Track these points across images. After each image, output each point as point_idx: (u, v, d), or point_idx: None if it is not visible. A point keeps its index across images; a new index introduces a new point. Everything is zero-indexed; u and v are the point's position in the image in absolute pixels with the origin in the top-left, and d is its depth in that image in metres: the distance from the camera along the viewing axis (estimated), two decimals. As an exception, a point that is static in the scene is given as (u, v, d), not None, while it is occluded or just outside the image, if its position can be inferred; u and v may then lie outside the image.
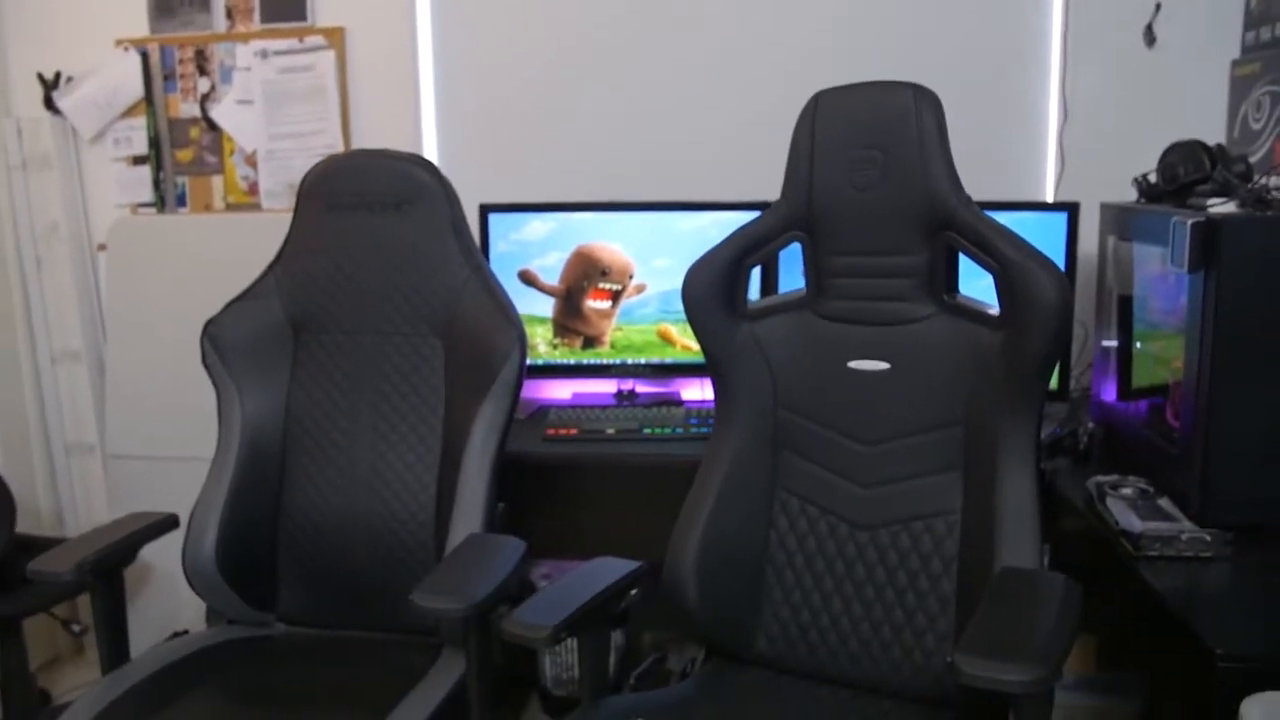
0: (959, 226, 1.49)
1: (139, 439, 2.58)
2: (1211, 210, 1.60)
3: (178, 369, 2.46)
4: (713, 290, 1.64)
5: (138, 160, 2.65)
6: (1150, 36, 2.28)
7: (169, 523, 1.80)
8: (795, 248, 1.66)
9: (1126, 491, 1.69)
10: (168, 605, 2.51)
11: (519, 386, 1.80)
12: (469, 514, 1.73)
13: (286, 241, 1.95)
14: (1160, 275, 1.86)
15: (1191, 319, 1.59)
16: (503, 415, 1.78)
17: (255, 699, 1.61)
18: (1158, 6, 2.26)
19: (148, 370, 2.57)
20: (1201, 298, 1.55)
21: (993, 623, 1.21)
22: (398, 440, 1.88)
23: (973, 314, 1.52)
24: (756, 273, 1.70)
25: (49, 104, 2.62)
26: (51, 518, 2.76)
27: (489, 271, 1.89)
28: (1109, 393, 2.05)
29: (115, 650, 1.69)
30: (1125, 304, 1.99)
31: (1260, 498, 1.57)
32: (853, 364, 1.61)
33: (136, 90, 2.60)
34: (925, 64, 2.36)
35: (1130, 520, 1.56)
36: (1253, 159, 2.02)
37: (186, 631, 2.39)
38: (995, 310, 1.49)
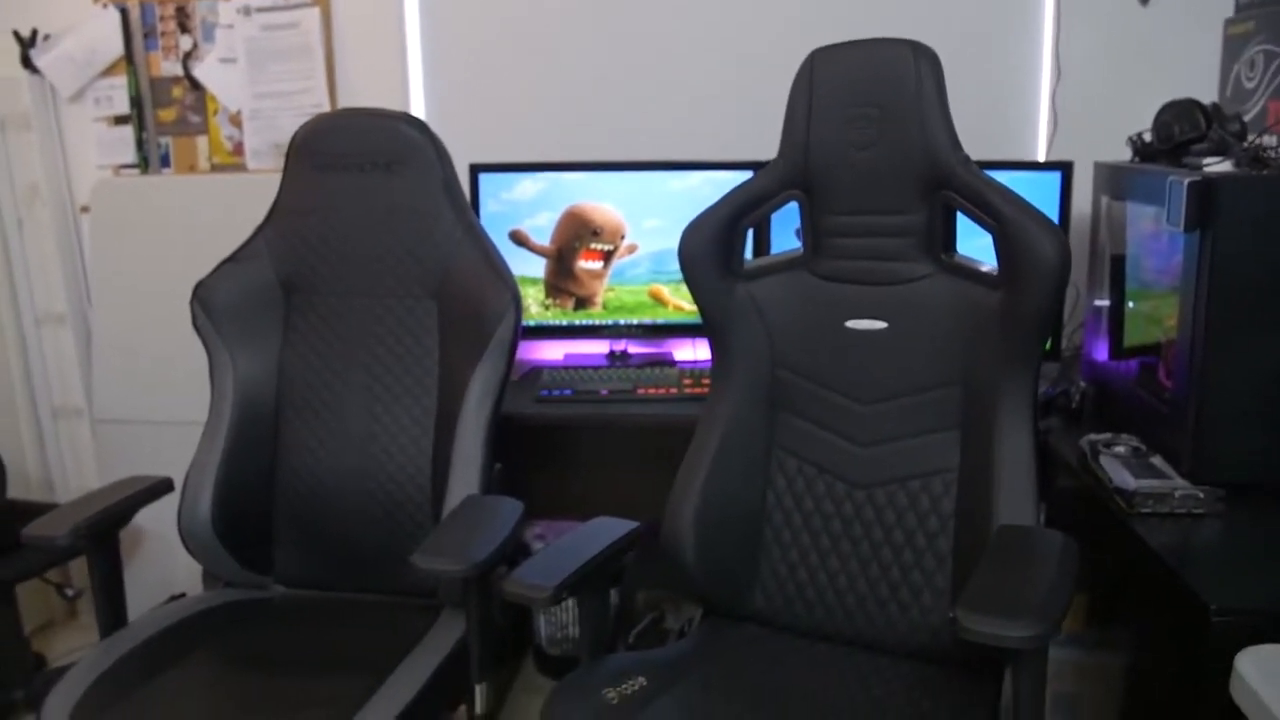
0: (957, 185, 1.49)
1: (127, 403, 2.56)
2: (1208, 169, 1.60)
3: (165, 332, 2.43)
4: (709, 250, 1.64)
5: (119, 120, 2.61)
6: (1144, -6, 2.26)
7: (164, 486, 1.79)
8: (786, 209, 1.65)
9: (1119, 450, 1.71)
10: (162, 569, 2.51)
11: (514, 347, 1.79)
12: (466, 475, 1.73)
13: (276, 202, 1.92)
14: (1153, 234, 1.86)
15: (1187, 278, 1.59)
16: (498, 376, 1.78)
17: (255, 662, 1.61)
18: (1152, -37, 2.25)
19: (134, 333, 2.54)
20: (1197, 257, 1.56)
21: (993, 579, 1.22)
22: (392, 402, 1.87)
23: (970, 273, 1.52)
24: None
25: (26, 62, 2.57)
26: (40, 483, 2.74)
27: (482, 231, 1.88)
28: (1100, 352, 2.06)
29: (113, 614, 1.69)
30: (1118, 263, 2.00)
31: (1252, 455, 1.58)
32: (850, 323, 1.61)
33: (116, 48, 2.55)
34: (917, 21, 2.34)
35: (1124, 478, 1.58)
36: (1245, 118, 2.02)
37: (184, 595, 2.39)
38: (993, 269, 1.50)
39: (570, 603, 2.16)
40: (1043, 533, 1.35)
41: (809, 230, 1.63)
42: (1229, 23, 2.20)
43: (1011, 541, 1.33)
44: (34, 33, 2.56)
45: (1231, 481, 1.55)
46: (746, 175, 2.21)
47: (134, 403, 2.56)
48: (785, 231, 2.03)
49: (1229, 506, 1.53)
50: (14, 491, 2.57)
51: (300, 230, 1.90)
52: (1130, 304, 1.98)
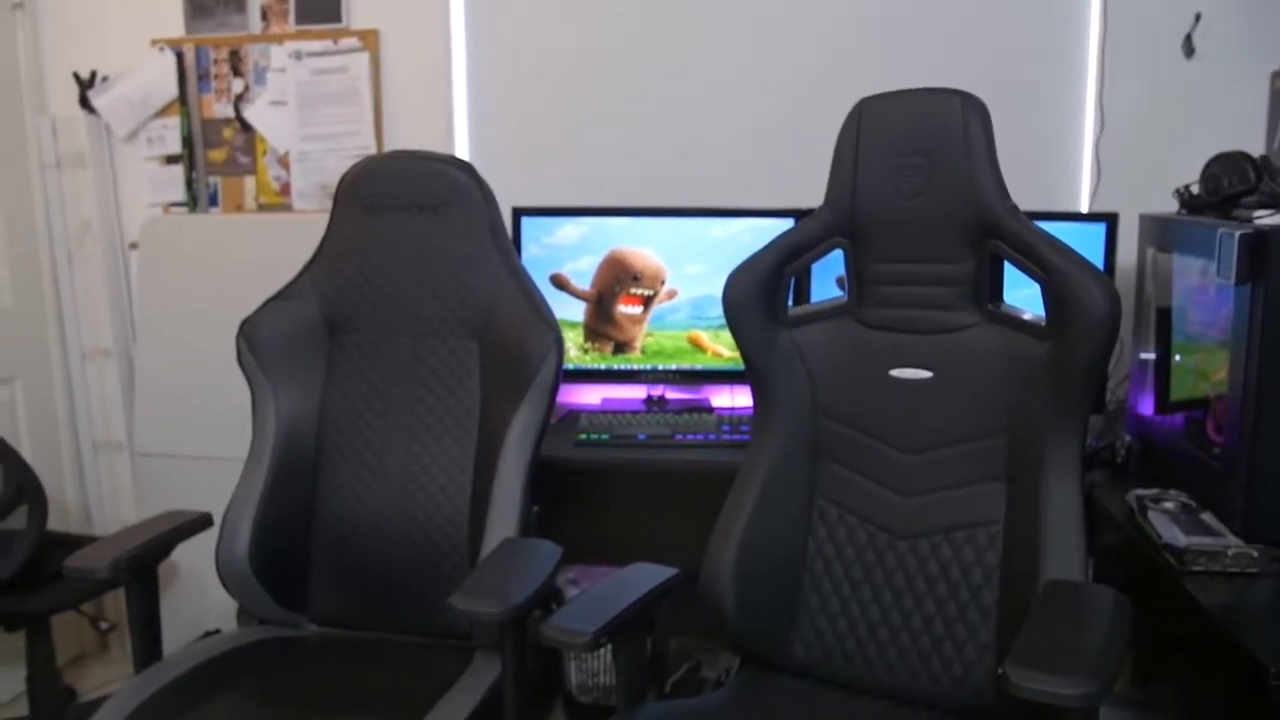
0: (1005, 235, 1.48)
1: (167, 438, 2.59)
2: (1260, 221, 1.59)
3: (207, 369, 2.46)
4: (753, 296, 1.63)
5: (171, 159, 2.66)
6: (1189, 47, 2.26)
7: (203, 521, 1.80)
8: (827, 258, 1.65)
9: (1168, 505, 1.67)
10: (195, 604, 2.51)
11: (555, 390, 1.79)
12: (504, 517, 1.73)
13: (323, 242, 1.95)
14: (1201, 287, 1.84)
15: (1238, 332, 1.57)
16: (539, 419, 1.78)
17: (288, 701, 1.60)
18: (1197, 17, 2.24)
19: (177, 369, 2.57)
20: (1249, 310, 1.53)
21: (1044, 635, 1.19)
22: (432, 442, 1.88)
23: (1017, 323, 1.51)
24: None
25: (84, 103, 2.64)
26: (79, 515, 2.77)
27: (526, 274, 1.89)
28: (1146, 406, 2.03)
29: (148, 648, 1.69)
30: (1164, 316, 1.97)
31: (1306, 514, 1.55)
32: (894, 372, 1.60)
33: (171, 90, 2.62)
34: (961, 71, 2.34)
35: (1174, 534, 1.55)
36: (1294, 172, 2.00)
37: (218, 630, 2.39)
38: (1040, 319, 1.48)
39: (603, 650, 2.13)
40: (1094, 588, 1.32)
41: (854, 278, 1.63)
42: (1275, 76, 2.19)
43: (1061, 597, 1.30)
44: (93, 74, 2.63)
45: (1285, 540, 1.52)
46: (787, 223, 2.24)
47: (174, 438, 2.58)
48: (825, 279, 2.03)
49: (1283, 566, 1.49)
50: (53, 523, 2.59)
51: (346, 270, 1.92)
52: (1176, 357, 1.95)
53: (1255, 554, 1.49)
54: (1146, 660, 1.98)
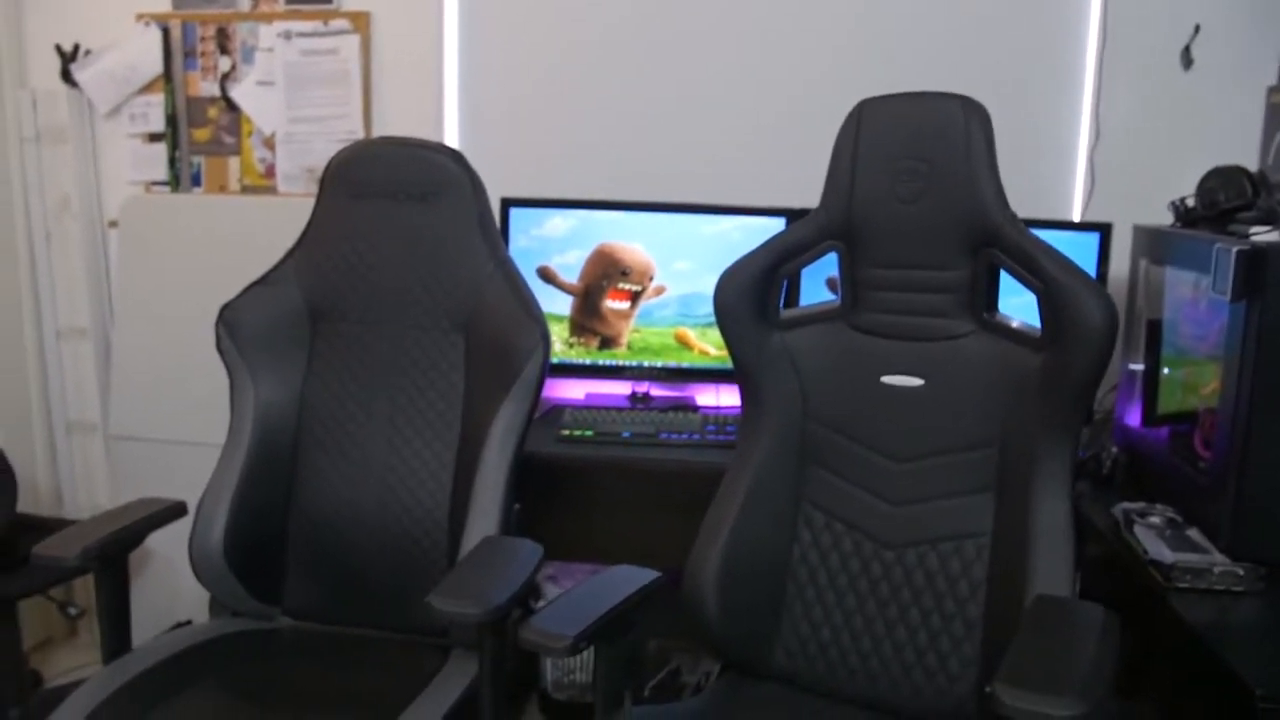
0: (1003, 243, 1.46)
1: (143, 421, 2.54)
2: (1256, 238, 1.58)
3: (185, 352, 2.42)
4: (746, 297, 1.61)
5: (154, 137, 2.61)
6: (1187, 59, 2.25)
7: (177, 510, 1.76)
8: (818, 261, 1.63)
9: (1155, 520, 1.67)
10: (168, 592, 2.47)
11: (541, 386, 1.76)
12: (485, 515, 1.70)
13: (308, 227, 1.91)
14: (1192, 301, 1.83)
15: (1231, 348, 1.56)
16: (523, 415, 1.75)
17: (260, 696, 1.57)
18: (1196, 28, 2.23)
19: (155, 352, 2.53)
20: (1244, 327, 1.52)
21: (1033, 654, 1.18)
22: (414, 436, 1.84)
23: (1012, 334, 1.50)
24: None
25: (66, 76, 2.58)
26: (50, 497, 2.72)
27: (514, 267, 1.86)
28: (1133, 417, 2.02)
29: (117, 638, 1.65)
30: (1154, 328, 1.97)
31: (1294, 533, 1.54)
32: (886, 379, 1.58)
33: (156, 66, 2.56)
34: (957, 74, 2.32)
35: (1161, 550, 1.54)
36: (1289, 187, 2.00)
37: (189, 622, 2.36)
38: (1035, 330, 1.47)
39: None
40: (1083, 606, 1.30)
41: (848, 282, 1.61)
42: (1272, 90, 2.18)
43: (1050, 613, 1.29)
44: (75, 48, 2.57)
45: (1272, 559, 1.51)
46: (779, 222, 2.23)
47: (150, 421, 2.54)
48: (815, 281, 2.01)
49: (1270, 585, 1.49)
50: (24, 505, 2.55)
51: (331, 257, 1.88)
52: (1166, 370, 1.95)
53: (1241, 572, 1.48)
54: (1130, 672, 1.98)
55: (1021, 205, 2.06)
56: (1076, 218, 2.35)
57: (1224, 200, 1.76)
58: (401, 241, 1.86)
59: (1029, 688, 1.09)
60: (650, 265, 2.32)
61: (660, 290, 2.33)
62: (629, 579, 1.54)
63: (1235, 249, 1.52)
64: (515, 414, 1.74)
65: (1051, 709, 1.06)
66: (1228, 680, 1.25)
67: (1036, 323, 1.46)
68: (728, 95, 2.43)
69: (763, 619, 1.61)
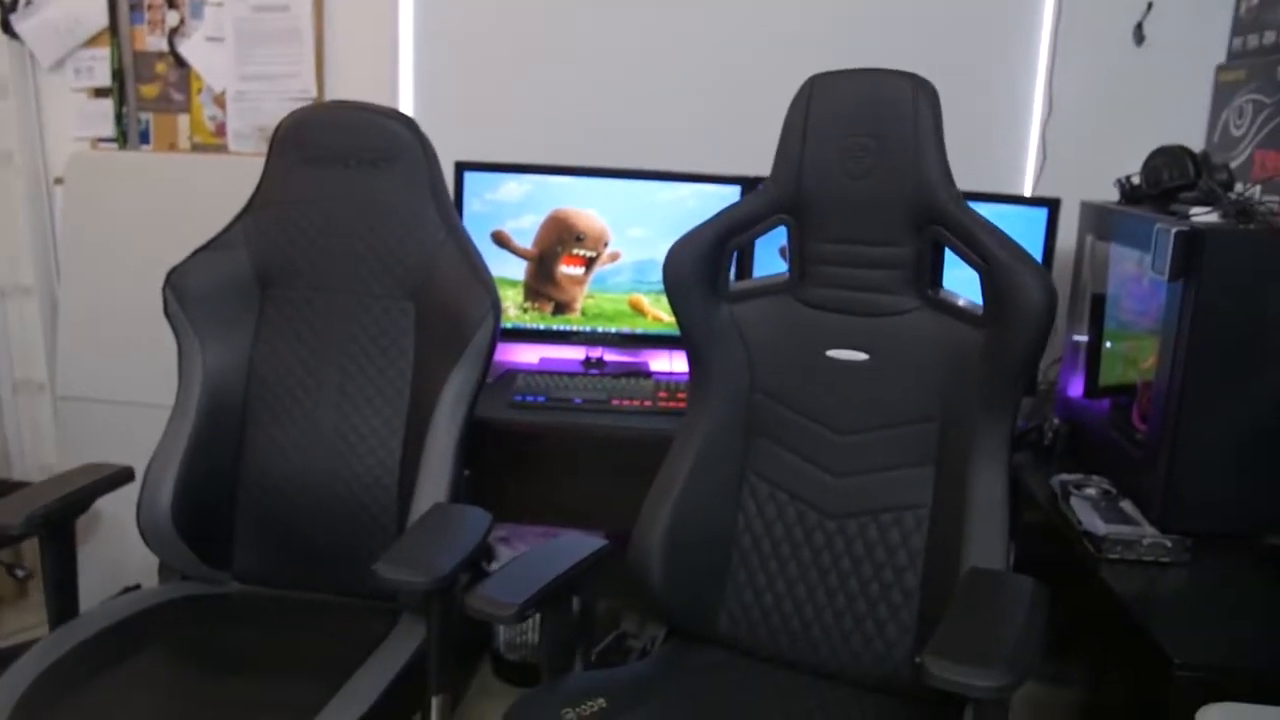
0: (948, 222, 1.48)
1: (91, 381, 2.51)
2: (1195, 219, 1.61)
3: (134, 312, 2.38)
4: (695, 269, 1.62)
5: (99, 92, 2.55)
6: (1140, 35, 2.27)
7: (124, 475, 1.75)
8: (771, 231, 1.64)
9: (1090, 492, 1.71)
10: (117, 555, 2.45)
11: (491, 354, 1.77)
12: (435, 482, 1.71)
13: (257, 191, 1.88)
14: (1135, 277, 1.87)
15: (1168, 325, 1.60)
16: (472, 383, 1.76)
17: (209, 660, 1.58)
18: (1149, 5, 2.25)
19: (103, 311, 2.49)
20: (1180, 306, 1.56)
21: (962, 626, 1.21)
22: (364, 403, 1.84)
23: (956, 311, 1.52)
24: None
25: (6, 27, 2.50)
26: (-3, 457, 2.69)
27: (465, 234, 1.85)
28: (1075, 389, 2.07)
29: (64, 603, 1.65)
30: (1098, 303, 2.01)
31: (1222, 505, 1.59)
32: (831, 353, 1.60)
33: (100, 19, 2.50)
34: (911, 47, 2.34)
35: (1094, 522, 1.58)
36: (1232, 165, 2.04)
37: (138, 586, 2.35)
38: (978, 308, 1.49)
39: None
40: (1014, 578, 1.34)
41: (796, 256, 1.62)
42: (1220, 69, 2.21)
43: (981, 586, 1.33)
44: (16, -3, 2.50)
45: (1200, 531, 1.56)
46: (734, 190, 2.24)
47: (98, 381, 2.51)
48: (769, 249, 2.02)
49: (1196, 556, 1.54)
50: (-31, 466, 2.52)
51: (280, 222, 1.86)
52: (1108, 343, 1.99)
53: (1169, 544, 1.53)
54: (1061, 637, 2.04)
55: (974, 179, 2.10)
56: (1028, 192, 2.37)
57: (1167, 179, 1.79)
58: (352, 208, 1.84)
59: (956, 659, 1.12)
60: (605, 231, 2.32)
61: (615, 256, 2.33)
62: (576, 546, 1.57)
63: (1174, 229, 1.55)
64: (465, 381, 1.75)
65: (977, 679, 1.10)
66: (1149, 649, 1.30)
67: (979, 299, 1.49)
68: (685, 62, 2.42)
69: (707, 586, 1.64)
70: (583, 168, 2.30)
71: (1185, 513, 1.59)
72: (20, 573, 2.43)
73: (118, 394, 2.48)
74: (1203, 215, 1.62)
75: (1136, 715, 1.44)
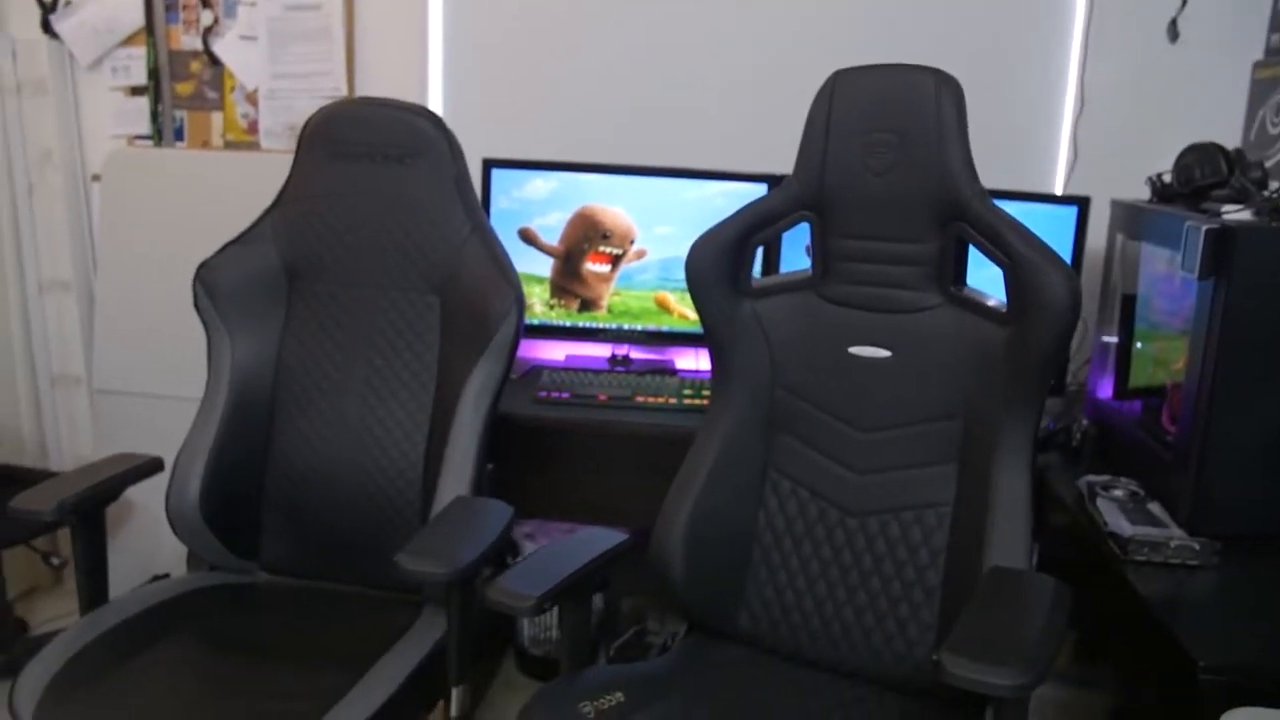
0: (972, 218, 1.47)
1: (127, 374, 2.56)
2: (1226, 217, 1.58)
3: (168, 306, 2.42)
4: (717, 265, 1.62)
5: (136, 91, 2.59)
6: (1174, 32, 2.24)
7: (154, 465, 1.78)
8: (799, 227, 1.63)
9: (1117, 493, 1.69)
10: (149, 544, 2.50)
11: (515, 349, 1.78)
12: (458, 475, 1.72)
13: (285, 186, 1.91)
14: (1166, 277, 1.84)
15: (1198, 326, 1.58)
16: (496, 377, 1.77)
17: (235, 648, 1.60)
18: (1184, 2, 2.22)
19: (138, 305, 2.53)
20: (1210, 305, 1.54)
21: (980, 623, 1.20)
22: (389, 396, 1.86)
23: (979, 308, 1.51)
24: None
25: (46, 27, 2.55)
26: (35, 448, 2.73)
27: (490, 230, 1.86)
28: (1105, 390, 2.04)
29: (94, 590, 1.68)
30: (1128, 303, 1.98)
31: (1251, 508, 1.57)
32: (854, 349, 1.60)
33: (137, 18, 2.54)
34: (942, 44, 2.32)
35: (1120, 523, 1.56)
36: (1268, 164, 2.00)
37: (167, 575, 2.38)
38: (1002, 304, 1.48)
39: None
40: (1035, 577, 1.33)
41: (819, 252, 1.62)
42: (1257, 66, 2.18)
43: (1002, 584, 1.32)
44: (55, -3, 2.55)
45: (1229, 533, 1.54)
46: (761, 188, 2.23)
47: (133, 375, 2.55)
48: (796, 247, 2.02)
49: (1224, 559, 1.51)
50: (8, 457, 2.57)
51: (308, 216, 1.89)
52: (1138, 344, 1.96)
53: (1197, 546, 1.51)
54: (1087, 640, 2.02)
55: (1004, 178, 2.08)
56: (1059, 190, 2.35)
57: (1199, 177, 1.76)
58: (378, 203, 1.86)
59: (973, 656, 1.11)
60: (632, 229, 2.32)
61: (641, 254, 2.33)
62: (597, 540, 1.57)
63: (1204, 227, 1.53)
64: (489, 376, 1.76)
65: (994, 677, 1.09)
66: (1174, 652, 1.28)
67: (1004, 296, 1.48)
68: (713, 59, 2.42)
69: (728, 582, 1.64)
70: (610, 165, 2.31)
71: (1214, 515, 1.56)
72: (56, 561, 2.47)
73: (152, 387, 2.52)
74: (1235, 213, 1.60)
75: (1163, 719, 1.42)
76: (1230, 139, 2.19)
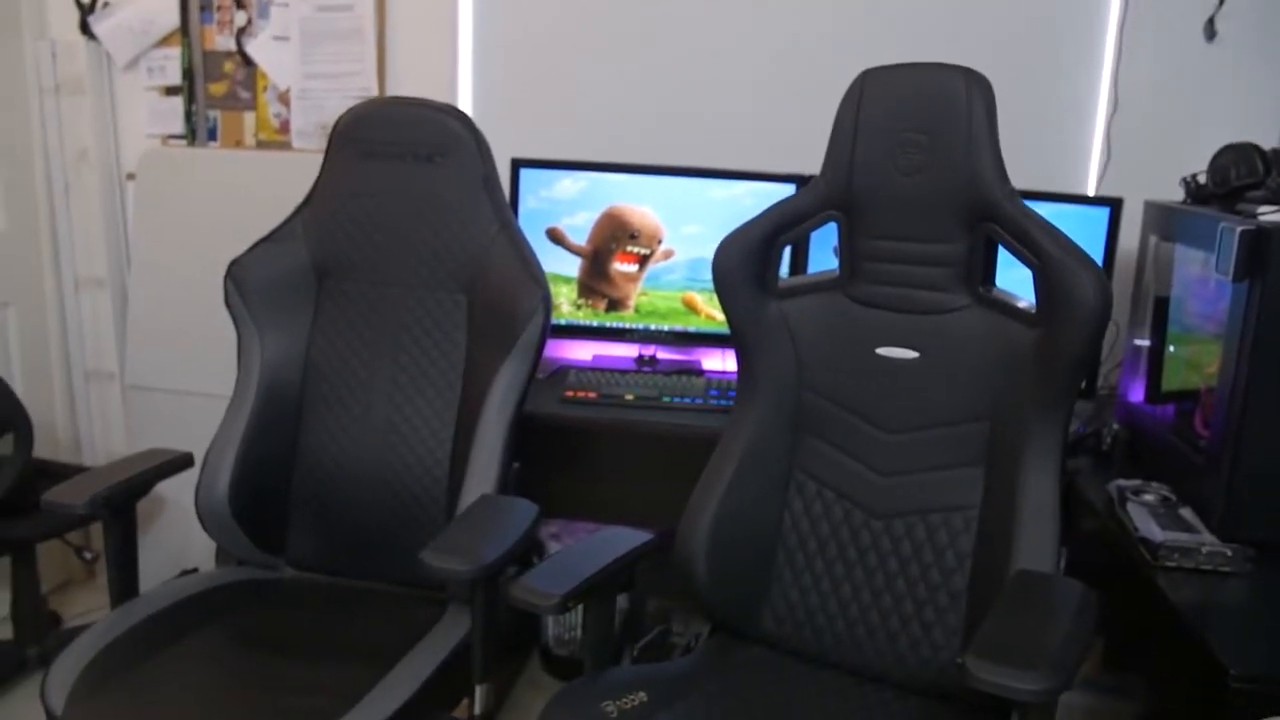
0: (1001, 218, 1.45)
1: (158, 371, 2.59)
2: (1263, 218, 1.56)
3: (201, 303, 2.45)
4: (744, 265, 1.61)
5: (170, 91, 2.63)
6: (1211, 30, 2.21)
7: (184, 461, 1.80)
8: (827, 227, 1.63)
9: (1148, 498, 1.67)
10: (179, 538, 2.53)
11: (541, 348, 1.78)
12: (483, 473, 1.73)
13: (315, 185, 1.93)
14: (1201, 279, 1.82)
15: (1232, 328, 1.55)
16: (523, 376, 1.77)
17: (261, 642, 1.62)
18: (1221, 0, 2.19)
19: (170, 303, 2.57)
20: (1245, 307, 1.51)
21: (1006, 627, 1.19)
22: (416, 394, 1.87)
23: (1008, 309, 1.49)
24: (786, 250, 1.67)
25: (84, 28, 2.59)
26: (69, 443, 2.78)
27: (518, 229, 1.87)
28: (1136, 394, 2.01)
29: (124, 583, 1.70)
30: (1161, 305, 1.95)
31: (1285, 516, 1.54)
32: (881, 350, 1.59)
33: (173, 19, 2.57)
34: (974, 43, 2.30)
35: (1150, 528, 1.54)
36: (1306, 165, 1.97)
37: (196, 569, 2.41)
38: (1031, 306, 1.46)
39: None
40: (1062, 581, 1.31)
41: (846, 252, 1.61)
42: (1296, 65, 2.14)
43: (1029, 588, 1.30)
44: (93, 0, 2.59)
45: (1262, 539, 1.51)
46: (790, 188, 2.22)
47: (165, 371, 2.58)
48: (824, 248, 2.01)
49: (1257, 566, 1.49)
50: (43, 451, 2.61)
51: (337, 215, 1.90)
52: (1171, 348, 1.93)
53: (1229, 553, 1.48)
54: (1116, 647, 1.99)
55: (1037, 177, 2.06)
56: (1091, 191, 2.32)
57: (1235, 177, 1.74)
58: (407, 202, 1.87)
59: (998, 660, 1.10)
60: (659, 229, 2.32)
61: (669, 254, 2.33)
62: (621, 540, 1.57)
63: (1239, 228, 1.50)
64: (516, 375, 1.77)
65: (1019, 682, 1.08)
66: (1206, 659, 1.26)
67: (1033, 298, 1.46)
68: (741, 59, 2.41)
69: (752, 583, 1.64)
70: (638, 165, 2.31)
71: (1247, 520, 1.54)
72: (88, 555, 2.51)
73: (183, 384, 2.56)
74: (1271, 214, 1.57)
75: (1194, 728, 1.40)
76: (1267, 139, 2.16)
